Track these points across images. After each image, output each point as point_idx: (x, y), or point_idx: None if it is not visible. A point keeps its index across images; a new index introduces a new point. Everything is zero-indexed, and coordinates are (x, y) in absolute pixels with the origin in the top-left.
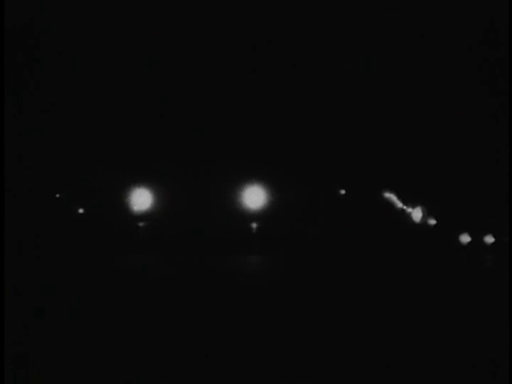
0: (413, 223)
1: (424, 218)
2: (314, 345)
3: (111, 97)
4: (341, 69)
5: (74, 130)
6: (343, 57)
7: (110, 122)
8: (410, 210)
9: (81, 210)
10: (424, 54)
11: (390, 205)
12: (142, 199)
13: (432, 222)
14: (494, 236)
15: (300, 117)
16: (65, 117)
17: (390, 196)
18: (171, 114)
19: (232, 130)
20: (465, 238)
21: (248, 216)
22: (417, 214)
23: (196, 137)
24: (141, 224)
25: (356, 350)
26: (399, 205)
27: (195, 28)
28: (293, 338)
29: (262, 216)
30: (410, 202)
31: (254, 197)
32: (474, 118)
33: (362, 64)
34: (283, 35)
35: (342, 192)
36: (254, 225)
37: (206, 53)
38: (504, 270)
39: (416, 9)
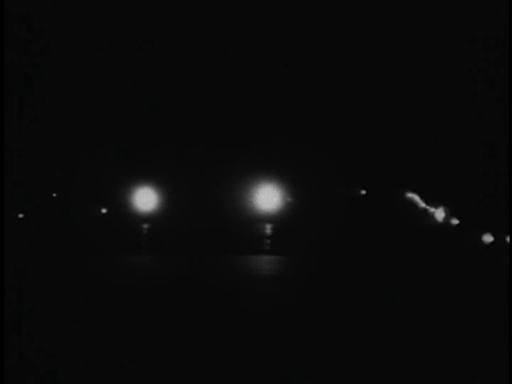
0: (435, 223)
1: (447, 217)
2: (327, 345)
3: (117, 97)
4: (365, 70)
5: (80, 130)
6: (365, 59)
7: (116, 123)
8: (432, 210)
9: (104, 211)
10: (445, 59)
11: (412, 205)
12: (148, 199)
13: (454, 221)
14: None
15: (321, 116)
16: (70, 116)
17: (413, 196)
18: (179, 114)
19: (247, 129)
20: (487, 238)
21: (262, 217)
22: (439, 213)
23: (209, 138)
24: (147, 225)
25: (372, 347)
26: (422, 205)
27: (202, 28)
28: (306, 341)
29: (276, 217)
30: (433, 202)
31: (269, 197)
32: (498, 122)
33: (387, 68)
34: (302, 34)
35: (363, 192)
36: (269, 225)
37: (215, 50)
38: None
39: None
